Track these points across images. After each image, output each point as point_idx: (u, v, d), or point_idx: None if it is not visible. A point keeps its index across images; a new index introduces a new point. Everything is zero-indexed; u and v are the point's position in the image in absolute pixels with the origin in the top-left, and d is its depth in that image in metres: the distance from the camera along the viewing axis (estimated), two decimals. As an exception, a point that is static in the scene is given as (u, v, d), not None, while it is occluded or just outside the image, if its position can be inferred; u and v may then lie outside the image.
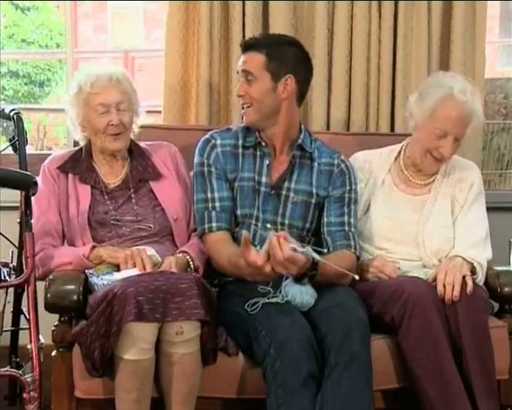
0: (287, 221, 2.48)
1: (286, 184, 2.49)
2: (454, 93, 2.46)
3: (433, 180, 2.62)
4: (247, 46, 2.48)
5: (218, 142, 2.52)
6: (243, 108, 2.48)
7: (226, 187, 2.48)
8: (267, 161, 2.49)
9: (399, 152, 2.67)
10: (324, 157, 2.53)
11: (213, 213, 2.46)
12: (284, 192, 2.49)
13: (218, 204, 2.46)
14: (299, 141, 2.50)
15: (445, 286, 2.32)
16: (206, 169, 2.50)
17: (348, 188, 2.51)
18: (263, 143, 2.49)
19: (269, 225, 2.44)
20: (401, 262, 2.54)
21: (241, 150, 2.51)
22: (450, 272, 2.34)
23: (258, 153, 2.50)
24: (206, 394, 2.27)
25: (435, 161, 2.53)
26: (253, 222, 2.46)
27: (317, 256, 2.20)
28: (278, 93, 2.44)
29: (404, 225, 2.56)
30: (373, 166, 2.65)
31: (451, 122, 2.46)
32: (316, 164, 2.51)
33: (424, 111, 2.49)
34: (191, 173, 2.59)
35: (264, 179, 2.48)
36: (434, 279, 2.38)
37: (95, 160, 2.56)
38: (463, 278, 2.33)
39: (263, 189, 2.48)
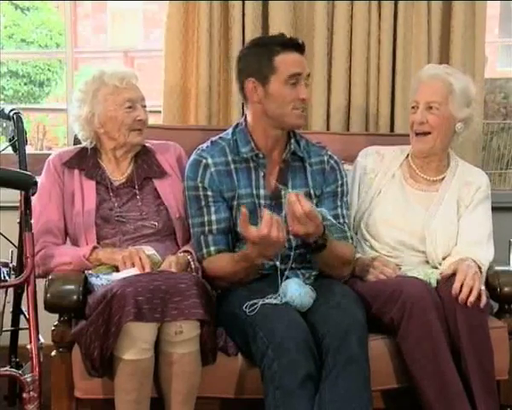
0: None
1: (283, 192, 2.43)
2: (424, 71, 2.67)
3: (442, 179, 2.65)
4: (303, 48, 2.40)
5: (210, 161, 2.42)
6: (298, 110, 2.37)
7: (223, 208, 2.42)
8: (262, 173, 2.43)
9: (410, 150, 2.71)
10: (313, 156, 2.51)
11: (210, 238, 2.41)
12: (284, 200, 2.41)
13: (214, 227, 2.41)
14: (292, 148, 2.45)
15: (461, 286, 2.31)
16: (201, 193, 2.42)
17: (340, 182, 2.52)
18: (260, 154, 2.43)
19: None
20: (403, 256, 2.56)
21: (233, 166, 2.43)
22: (471, 278, 2.32)
23: (252, 165, 2.44)
24: (205, 394, 2.27)
25: (417, 139, 2.60)
26: None
27: (330, 217, 2.26)
28: None
29: (410, 218, 2.59)
30: (385, 160, 2.69)
31: (420, 91, 2.60)
32: (307, 165, 2.48)
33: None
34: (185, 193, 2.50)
35: (262, 192, 2.43)
36: (447, 277, 2.38)
37: (101, 157, 2.57)
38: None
39: (262, 202, 2.42)
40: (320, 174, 2.50)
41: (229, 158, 2.44)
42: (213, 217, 2.42)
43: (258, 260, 2.25)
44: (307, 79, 2.41)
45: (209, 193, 2.42)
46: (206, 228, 2.42)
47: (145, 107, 2.54)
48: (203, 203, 2.42)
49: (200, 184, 2.42)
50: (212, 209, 2.42)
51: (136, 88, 2.54)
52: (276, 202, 2.42)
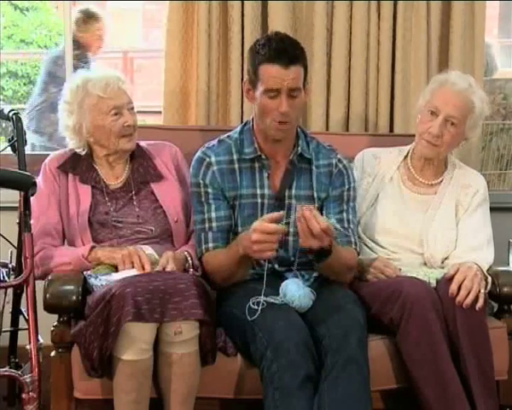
0: (292, 230, 2.41)
1: (287, 193, 2.43)
2: (452, 78, 2.57)
3: (440, 182, 2.65)
4: (293, 59, 2.28)
5: (213, 159, 2.42)
6: (280, 123, 2.31)
7: (224, 206, 2.41)
8: (266, 173, 2.43)
9: (408, 151, 2.69)
10: (322, 159, 2.49)
11: (210, 235, 2.39)
12: (287, 201, 2.44)
13: (214, 224, 2.40)
14: (299, 150, 2.43)
15: (459, 288, 2.31)
16: (202, 190, 2.41)
17: (347, 187, 2.49)
18: (263, 156, 2.42)
19: None
20: (403, 258, 2.56)
21: (237, 166, 2.42)
22: (470, 279, 2.32)
23: (257, 165, 2.43)
24: (204, 394, 2.27)
25: (427, 144, 2.55)
26: None
27: (338, 225, 2.25)
28: (304, 101, 2.41)
29: (408, 222, 2.58)
30: (382, 163, 2.68)
31: (444, 100, 2.52)
32: (314, 167, 2.46)
33: (424, 97, 2.59)
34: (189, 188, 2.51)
35: (266, 192, 2.42)
36: (450, 278, 2.36)
37: (95, 161, 2.56)
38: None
39: (266, 201, 2.42)
40: (327, 177, 2.47)
41: (234, 157, 2.43)
42: (213, 214, 2.41)
43: (248, 252, 2.19)
44: (297, 90, 2.30)
45: (210, 190, 2.41)
46: (207, 225, 2.41)
47: (133, 109, 2.51)
48: (203, 200, 2.42)
49: (201, 181, 2.42)
50: (213, 207, 2.41)
51: (122, 93, 2.50)
52: (279, 203, 2.42)
